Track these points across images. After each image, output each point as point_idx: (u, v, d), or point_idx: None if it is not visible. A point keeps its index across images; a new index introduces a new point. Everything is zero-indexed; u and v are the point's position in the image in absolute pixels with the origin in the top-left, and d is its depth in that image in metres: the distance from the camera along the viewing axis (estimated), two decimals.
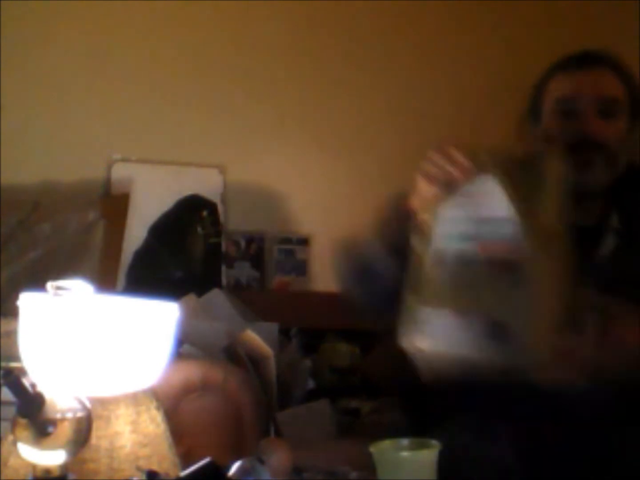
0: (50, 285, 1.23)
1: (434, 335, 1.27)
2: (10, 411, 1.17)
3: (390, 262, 1.47)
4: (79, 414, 1.17)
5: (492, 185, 1.26)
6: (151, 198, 2.59)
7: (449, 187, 1.31)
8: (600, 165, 1.52)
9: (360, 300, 1.61)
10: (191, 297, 2.27)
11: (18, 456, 1.18)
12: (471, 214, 1.28)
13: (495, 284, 1.23)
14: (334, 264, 1.65)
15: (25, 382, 1.15)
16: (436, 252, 1.30)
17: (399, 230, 1.43)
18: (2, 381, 1.14)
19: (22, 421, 1.14)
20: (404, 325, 1.31)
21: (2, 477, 1.28)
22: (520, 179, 1.27)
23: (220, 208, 2.63)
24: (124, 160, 2.59)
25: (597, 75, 1.57)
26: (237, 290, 2.57)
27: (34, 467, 1.15)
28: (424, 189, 1.36)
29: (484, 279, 1.24)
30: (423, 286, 1.30)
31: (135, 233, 2.55)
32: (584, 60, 1.60)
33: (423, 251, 1.32)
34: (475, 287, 1.24)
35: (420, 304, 1.29)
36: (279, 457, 1.35)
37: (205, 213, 2.60)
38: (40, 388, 1.16)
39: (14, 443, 1.16)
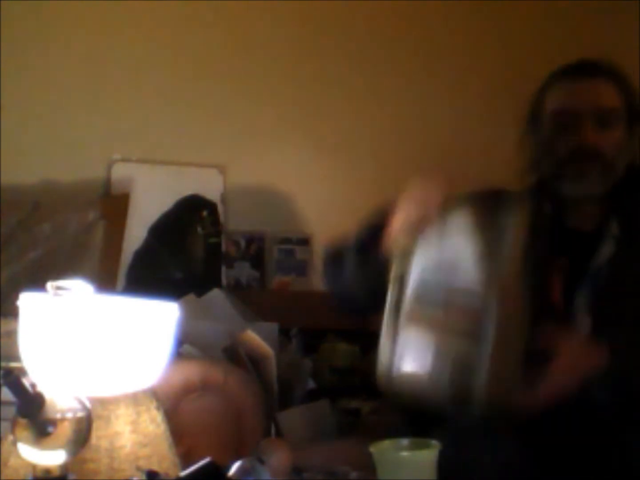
0: (50, 285, 1.23)
1: (406, 391, 1.36)
2: (10, 411, 1.17)
3: (359, 271, 1.53)
4: (79, 414, 1.17)
5: (459, 248, 1.32)
6: (151, 198, 2.58)
7: (421, 230, 1.37)
8: (596, 174, 1.53)
9: (335, 296, 1.67)
10: (191, 297, 2.27)
11: (18, 456, 1.18)
12: (441, 277, 1.34)
13: (459, 348, 1.31)
14: (320, 263, 1.69)
15: (25, 382, 1.15)
16: (408, 309, 1.37)
17: (375, 250, 1.47)
18: (2, 381, 1.14)
19: (22, 421, 1.14)
20: (381, 371, 1.39)
21: (2, 477, 1.28)
22: (486, 229, 1.32)
23: (220, 208, 2.63)
24: (124, 160, 2.59)
25: (594, 86, 1.59)
26: (237, 290, 2.57)
27: (34, 467, 1.15)
28: (399, 231, 1.40)
29: (449, 343, 1.32)
30: (397, 340, 1.38)
31: (135, 233, 2.55)
32: (580, 71, 1.62)
33: (397, 302, 1.39)
34: (442, 351, 1.32)
35: (395, 358, 1.37)
36: (279, 457, 1.35)
37: (205, 213, 2.60)
38: (40, 388, 1.16)
39: (14, 443, 1.16)
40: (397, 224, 1.40)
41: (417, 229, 1.37)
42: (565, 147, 1.55)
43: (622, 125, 1.58)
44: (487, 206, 1.35)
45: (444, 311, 1.34)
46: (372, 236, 1.49)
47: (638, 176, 1.61)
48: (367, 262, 1.49)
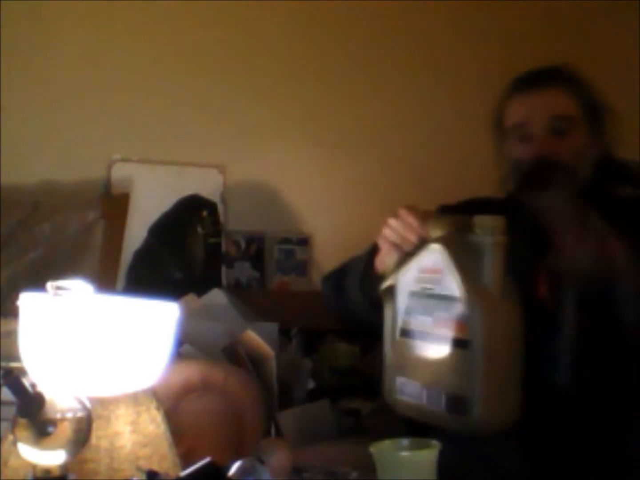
0: (50, 285, 1.23)
1: (407, 402, 1.40)
2: (10, 411, 1.17)
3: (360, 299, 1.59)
4: (79, 414, 1.16)
5: (440, 262, 1.36)
6: (151, 198, 2.59)
7: (405, 250, 1.42)
8: (558, 183, 1.55)
9: (340, 317, 1.78)
10: (191, 297, 2.26)
11: (18, 456, 1.18)
12: (427, 291, 1.38)
13: (452, 360, 1.33)
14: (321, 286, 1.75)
15: (25, 382, 1.15)
16: (400, 325, 1.42)
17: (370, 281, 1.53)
18: (2, 381, 1.14)
19: (22, 421, 1.14)
20: (384, 382, 1.45)
21: (2, 477, 1.28)
22: (466, 250, 1.36)
23: (220, 208, 2.63)
24: (124, 160, 2.59)
25: (547, 95, 1.62)
26: (237, 290, 2.57)
27: (34, 467, 1.15)
28: (385, 253, 1.47)
29: (441, 356, 1.34)
30: (394, 355, 1.43)
31: (135, 233, 2.55)
32: (534, 81, 1.65)
33: (392, 316, 1.44)
34: (436, 364, 1.35)
35: (396, 373, 1.42)
36: (279, 457, 1.35)
37: (205, 213, 2.60)
38: (40, 388, 1.16)
39: (14, 443, 1.16)
40: (382, 246, 1.47)
41: (399, 249, 1.43)
42: (528, 158, 1.59)
43: (581, 130, 1.61)
44: (467, 221, 1.38)
45: (432, 320, 1.36)
46: (367, 258, 1.57)
47: (609, 172, 1.63)
48: (364, 281, 1.55)
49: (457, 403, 1.31)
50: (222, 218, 2.63)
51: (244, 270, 2.67)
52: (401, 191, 2.70)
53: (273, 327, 2.24)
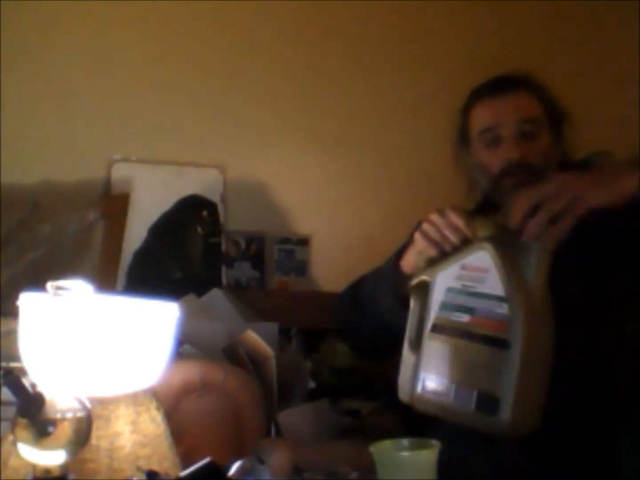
0: (50, 285, 1.23)
1: (429, 400, 1.38)
2: (10, 411, 1.17)
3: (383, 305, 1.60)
4: (79, 414, 1.17)
5: (487, 261, 1.36)
6: (151, 198, 2.58)
7: (444, 250, 1.43)
8: (532, 185, 1.56)
9: (353, 332, 1.78)
10: (191, 297, 2.26)
11: (18, 456, 1.18)
12: (468, 289, 1.37)
13: (487, 359, 1.32)
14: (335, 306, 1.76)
15: (25, 382, 1.15)
16: (433, 320, 1.41)
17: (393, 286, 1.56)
18: (2, 381, 1.14)
19: (22, 421, 1.14)
20: (402, 379, 1.44)
21: (2, 477, 1.28)
22: (512, 253, 1.35)
23: (220, 208, 2.63)
24: (124, 160, 2.59)
25: (513, 100, 1.66)
26: (237, 290, 2.57)
27: (34, 467, 1.15)
28: (422, 250, 1.47)
29: (476, 354, 1.33)
30: (421, 350, 1.41)
31: (135, 233, 2.55)
32: (498, 87, 1.68)
33: (420, 313, 1.43)
34: (469, 361, 1.34)
35: (419, 367, 1.40)
36: (279, 457, 1.35)
37: (205, 213, 2.60)
38: (40, 388, 1.16)
39: (14, 443, 1.16)
40: (419, 242, 1.47)
41: (438, 246, 1.43)
42: (497, 163, 1.62)
43: (546, 132, 1.64)
44: (510, 237, 1.38)
45: (470, 318, 1.35)
46: (395, 258, 1.58)
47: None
48: (393, 280, 1.55)
49: (487, 402, 1.30)
50: (222, 218, 2.63)
51: (244, 270, 2.67)
52: (401, 191, 2.70)
53: (273, 327, 2.24)
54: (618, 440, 1.35)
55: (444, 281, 1.41)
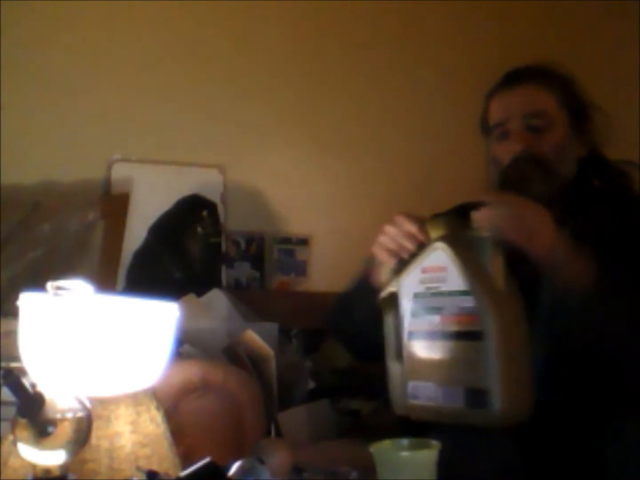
0: (50, 285, 1.23)
1: (422, 406, 1.39)
2: (10, 411, 1.17)
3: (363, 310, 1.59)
4: (79, 414, 1.16)
5: (444, 259, 1.38)
6: (151, 198, 2.58)
7: (403, 258, 1.44)
8: (537, 178, 1.56)
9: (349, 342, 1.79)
10: (191, 297, 2.26)
11: (18, 456, 1.18)
12: (432, 290, 1.39)
13: (466, 354, 1.33)
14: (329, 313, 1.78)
15: (25, 382, 1.15)
16: (408, 328, 1.42)
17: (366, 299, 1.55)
18: (2, 381, 1.14)
19: (22, 421, 1.14)
20: (393, 393, 1.45)
21: (2, 477, 1.28)
22: (467, 247, 1.38)
23: (220, 208, 2.63)
24: (124, 160, 2.59)
25: (521, 93, 1.65)
26: (237, 290, 2.57)
27: (34, 467, 1.15)
28: (383, 261, 1.48)
29: (455, 351, 1.35)
30: (403, 360, 1.43)
31: (135, 233, 2.55)
32: (512, 79, 1.68)
33: (395, 325, 1.45)
34: (450, 361, 1.35)
35: (405, 377, 1.42)
36: (279, 457, 1.35)
37: (205, 213, 2.60)
38: (40, 388, 1.16)
39: (14, 443, 1.16)
40: (378, 254, 1.48)
41: (396, 255, 1.45)
42: (506, 157, 1.62)
43: (560, 126, 1.62)
44: (462, 221, 1.40)
45: (441, 318, 1.37)
46: (366, 272, 1.58)
47: (590, 171, 1.64)
48: (368, 295, 1.55)
49: (476, 396, 1.31)
50: (222, 218, 2.63)
51: (244, 270, 2.67)
52: (401, 191, 2.70)
53: (273, 327, 2.24)
54: (609, 437, 1.35)
55: (409, 288, 1.42)
